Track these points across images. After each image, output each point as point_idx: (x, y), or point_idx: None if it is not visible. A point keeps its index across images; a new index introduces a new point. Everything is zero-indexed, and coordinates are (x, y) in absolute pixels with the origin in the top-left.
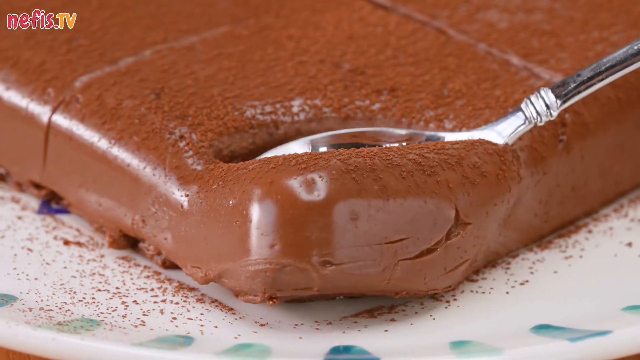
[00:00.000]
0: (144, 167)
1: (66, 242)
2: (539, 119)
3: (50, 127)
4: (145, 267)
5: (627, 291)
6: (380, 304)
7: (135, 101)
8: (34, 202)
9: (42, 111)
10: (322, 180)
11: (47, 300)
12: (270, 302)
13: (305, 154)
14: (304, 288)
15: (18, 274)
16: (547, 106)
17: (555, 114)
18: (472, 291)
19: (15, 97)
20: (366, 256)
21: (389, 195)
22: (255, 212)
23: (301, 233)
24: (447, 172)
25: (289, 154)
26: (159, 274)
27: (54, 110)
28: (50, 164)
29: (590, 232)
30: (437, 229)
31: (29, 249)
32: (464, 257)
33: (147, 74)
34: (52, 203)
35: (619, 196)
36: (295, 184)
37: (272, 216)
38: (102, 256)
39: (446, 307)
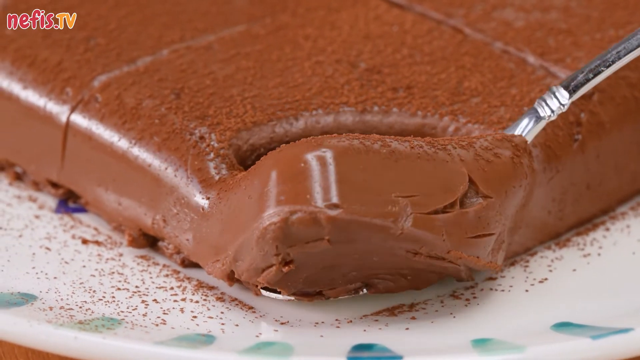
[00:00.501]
0: (166, 168)
1: (84, 241)
2: (552, 114)
3: (68, 126)
4: (164, 265)
5: None
6: (401, 302)
7: (155, 101)
8: (51, 201)
9: (60, 110)
10: (330, 142)
11: (67, 299)
12: (286, 268)
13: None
14: (316, 240)
15: (37, 273)
16: (559, 102)
17: (566, 106)
18: (491, 289)
19: (33, 97)
20: (376, 203)
21: (397, 158)
22: (264, 176)
23: (307, 182)
24: (459, 149)
25: None
26: (178, 272)
27: (72, 110)
28: (68, 163)
29: (607, 230)
30: (448, 191)
31: (47, 248)
32: (487, 229)
33: (165, 74)
34: (70, 202)
35: (636, 194)
36: (303, 148)
37: (279, 174)
38: (121, 255)
39: (466, 305)
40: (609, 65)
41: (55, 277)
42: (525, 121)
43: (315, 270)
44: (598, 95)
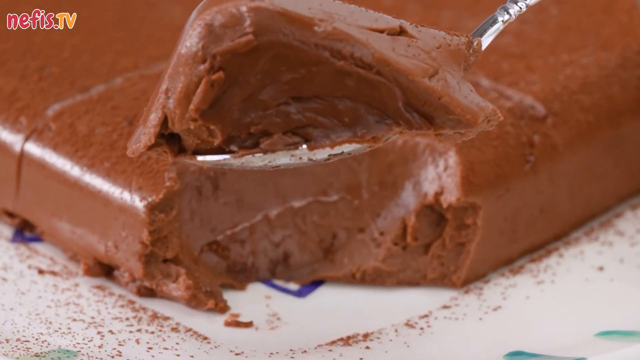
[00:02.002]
0: (113, 192)
1: (40, 271)
2: (511, 17)
3: (23, 155)
4: (119, 296)
5: (599, 317)
6: (355, 331)
7: (108, 128)
8: (7, 231)
9: (14, 140)
10: None
11: (24, 330)
12: (215, 75)
13: None
14: (240, 35)
15: None
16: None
17: (524, 7)
18: (445, 317)
19: None
20: (301, 8)
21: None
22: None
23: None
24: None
25: None
26: (134, 302)
27: (26, 139)
28: (23, 192)
29: (561, 256)
30: (375, 22)
31: (4, 279)
32: (418, 59)
33: (118, 102)
34: (26, 231)
35: (589, 219)
36: None
37: (200, 9)
38: (77, 285)
39: (420, 335)
40: None
41: (11, 309)
42: (482, 25)
43: (247, 90)
44: (552, 118)
